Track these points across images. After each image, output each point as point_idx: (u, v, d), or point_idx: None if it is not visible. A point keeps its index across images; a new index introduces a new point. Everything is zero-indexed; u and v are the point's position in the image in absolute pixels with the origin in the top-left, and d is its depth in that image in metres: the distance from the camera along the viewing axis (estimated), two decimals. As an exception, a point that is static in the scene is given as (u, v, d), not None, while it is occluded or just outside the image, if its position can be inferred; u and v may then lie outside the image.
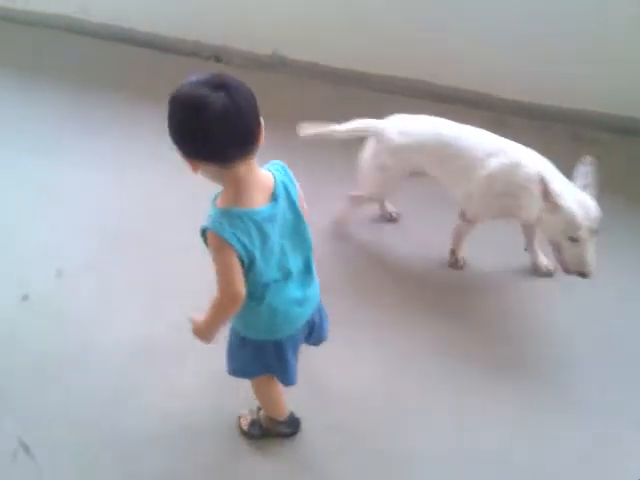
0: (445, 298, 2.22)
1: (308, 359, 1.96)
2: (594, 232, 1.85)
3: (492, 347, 2.05)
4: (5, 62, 3.53)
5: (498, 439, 1.79)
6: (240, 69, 3.33)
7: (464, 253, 2.31)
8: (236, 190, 1.25)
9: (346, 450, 1.76)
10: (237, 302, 1.30)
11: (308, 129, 2.25)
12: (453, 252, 2.30)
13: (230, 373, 1.59)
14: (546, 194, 1.84)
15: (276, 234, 1.32)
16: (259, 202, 1.27)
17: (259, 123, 1.22)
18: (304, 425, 1.79)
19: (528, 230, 2.25)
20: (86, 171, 2.75)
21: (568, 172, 1.97)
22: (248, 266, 1.29)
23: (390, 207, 2.53)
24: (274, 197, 1.30)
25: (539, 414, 1.85)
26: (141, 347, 2.00)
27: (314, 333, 1.57)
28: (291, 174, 1.38)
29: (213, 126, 1.14)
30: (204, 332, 1.41)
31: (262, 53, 3.42)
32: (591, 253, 1.86)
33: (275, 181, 1.32)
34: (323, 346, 1.99)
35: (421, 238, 2.44)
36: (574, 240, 1.85)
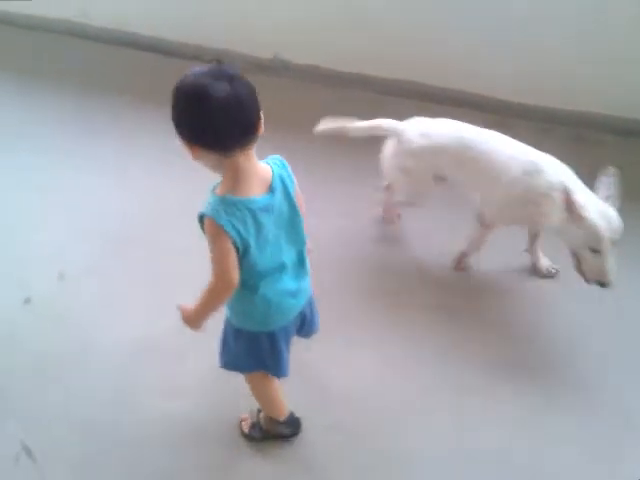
0: (445, 299, 2.22)
1: (308, 359, 1.98)
2: (616, 243, 1.85)
3: (493, 348, 2.05)
4: (6, 66, 3.54)
5: (498, 439, 1.79)
6: (242, 72, 3.33)
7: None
8: (234, 179, 1.28)
9: (346, 450, 1.76)
10: (230, 288, 1.33)
11: (326, 124, 2.24)
12: (464, 255, 2.28)
13: (222, 366, 1.60)
14: (569, 205, 1.83)
15: (271, 225, 1.35)
16: (256, 192, 1.31)
17: (259, 114, 1.26)
18: (304, 425, 1.79)
19: (533, 232, 2.25)
20: (88, 174, 2.76)
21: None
22: (242, 254, 1.31)
23: (394, 209, 2.52)
24: (271, 189, 1.34)
25: (539, 414, 1.86)
26: (142, 348, 2.01)
27: (305, 326, 1.61)
28: (289, 169, 1.42)
29: (215, 114, 1.18)
30: (194, 319, 1.43)
31: (263, 57, 3.43)
32: (611, 263, 1.86)
33: (273, 174, 1.35)
34: (323, 346, 2.00)
35: (421, 239, 2.45)
36: (596, 251, 1.85)
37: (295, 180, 1.43)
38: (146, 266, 2.28)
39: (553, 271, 2.28)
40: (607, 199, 1.90)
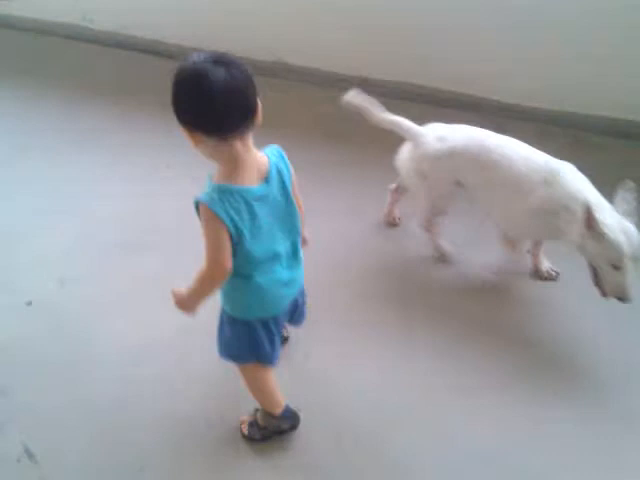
0: (445, 300, 2.23)
1: (308, 361, 1.99)
2: (636, 259, 1.83)
3: (493, 349, 2.05)
4: (7, 69, 3.56)
5: (498, 441, 1.79)
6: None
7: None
8: (231, 168, 1.31)
9: (346, 451, 1.76)
10: (223, 274, 1.35)
11: (355, 97, 2.22)
12: (538, 270, 2.26)
13: (221, 355, 1.62)
14: (591, 222, 1.80)
15: (266, 215, 1.37)
16: (251, 181, 1.34)
17: (257, 100, 1.29)
18: (304, 427, 1.79)
19: None
20: (88, 178, 2.77)
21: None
22: (236, 242, 1.33)
23: (397, 211, 2.53)
24: (266, 179, 1.37)
25: (540, 416, 1.86)
26: (142, 352, 2.01)
27: (296, 314, 1.65)
28: (287, 160, 1.45)
29: (215, 99, 1.21)
30: (187, 303, 1.45)
31: (265, 59, 3.44)
32: (630, 279, 1.85)
33: (269, 164, 1.38)
34: (323, 348, 2.01)
35: (422, 241, 2.44)
36: (616, 268, 1.83)
37: (293, 171, 1.46)
38: (146, 270, 2.28)
39: (554, 274, 2.28)
40: (626, 214, 1.87)
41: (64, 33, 3.82)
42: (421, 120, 2.25)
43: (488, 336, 2.10)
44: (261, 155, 1.39)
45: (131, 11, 3.64)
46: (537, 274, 2.30)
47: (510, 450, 1.76)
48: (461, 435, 1.80)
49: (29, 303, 2.17)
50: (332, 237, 2.45)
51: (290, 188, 1.43)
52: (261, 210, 1.35)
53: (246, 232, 1.33)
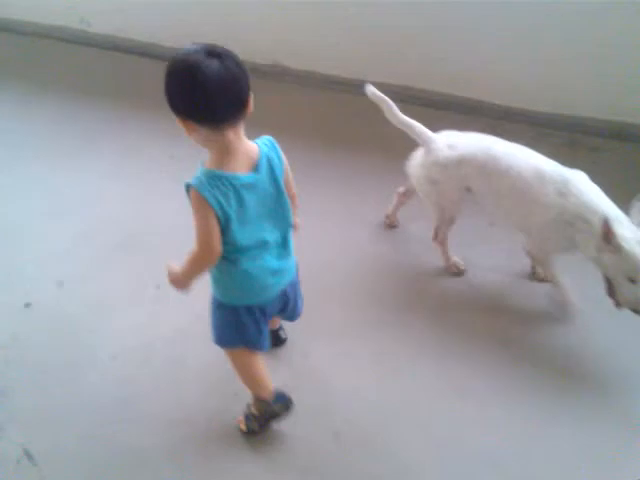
0: (445, 302, 2.24)
1: (308, 363, 1.99)
2: None
3: (493, 351, 2.06)
4: (6, 73, 3.57)
5: (497, 442, 1.79)
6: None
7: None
8: (222, 155, 1.36)
9: (344, 451, 1.77)
10: (212, 256, 1.41)
11: (375, 91, 2.21)
12: (563, 299, 2.15)
13: (214, 342, 1.65)
14: (608, 235, 1.79)
15: (254, 202, 1.41)
16: (241, 169, 1.38)
17: (249, 90, 1.32)
18: (305, 430, 1.80)
19: None
20: (87, 181, 2.77)
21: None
22: (224, 226, 1.38)
23: (398, 214, 2.53)
24: (256, 167, 1.40)
25: (539, 416, 1.87)
26: (141, 354, 2.02)
27: (288, 308, 1.67)
28: (279, 150, 1.48)
29: (209, 88, 1.25)
30: (180, 281, 1.51)
31: (263, 63, 3.46)
32: None
33: (260, 153, 1.42)
34: (323, 350, 2.01)
35: (422, 243, 2.45)
36: (633, 280, 1.83)
37: (285, 161, 1.49)
38: (145, 272, 2.29)
39: (550, 275, 2.30)
40: None
41: (61, 36, 3.82)
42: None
43: (488, 338, 2.10)
44: (252, 144, 1.43)
45: (128, 14, 3.64)
46: (534, 275, 2.31)
47: (510, 452, 1.77)
48: (460, 436, 1.81)
49: (27, 305, 2.18)
50: (329, 238, 2.46)
51: (281, 178, 1.47)
52: (249, 197, 1.39)
53: (233, 217, 1.37)
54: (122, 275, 2.30)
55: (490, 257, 2.40)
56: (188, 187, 1.36)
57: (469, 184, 2.13)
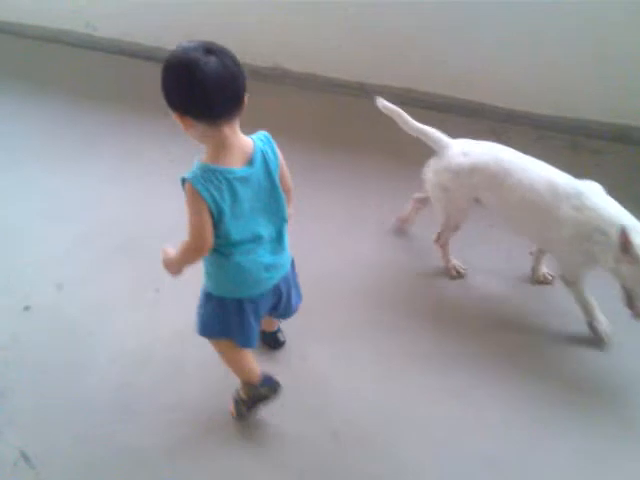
0: (444, 302, 2.24)
1: (305, 362, 2.00)
2: None
3: (493, 352, 2.05)
4: (10, 76, 3.59)
5: (497, 443, 1.79)
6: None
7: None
8: (217, 150, 1.39)
9: (343, 452, 1.77)
10: (203, 248, 1.43)
11: (387, 103, 2.21)
12: (593, 328, 2.07)
13: (197, 332, 1.67)
14: (627, 245, 1.77)
15: (248, 196, 1.43)
16: (236, 164, 1.40)
17: (245, 87, 1.35)
18: (304, 430, 1.80)
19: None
20: (88, 184, 2.78)
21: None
22: (217, 219, 1.40)
23: (410, 221, 2.51)
24: (250, 161, 1.42)
25: (539, 416, 1.86)
26: (140, 357, 2.02)
27: (281, 304, 1.67)
28: (274, 145, 1.50)
29: (207, 84, 1.27)
30: (172, 267, 1.55)
31: (264, 65, 3.47)
32: None
33: (254, 147, 1.44)
34: (320, 349, 2.02)
35: (423, 246, 2.46)
36: None
37: (281, 156, 1.51)
38: (145, 276, 2.28)
39: (549, 278, 2.29)
40: None
41: (67, 40, 3.84)
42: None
43: (488, 341, 2.10)
44: (247, 139, 1.45)
45: (133, 18, 3.66)
46: (534, 277, 2.31)
47: (510, 452, 1.77)
48: (459, 437, 1.81)
49: (27, 307, 2.18)
50: (329, 240, 2.46)
51: (275, 173, 1.48)
52: (243, 191, 1.41)
53: (227, 211, 1.39)
54: (122, 278, 2.31)
55: (490, 258, 2.39)
56: (184, 181, 1.39)
57: (479, 195, 2.12)
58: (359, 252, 2.44)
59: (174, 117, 1.36)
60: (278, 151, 1.51)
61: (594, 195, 1.92)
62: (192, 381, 1.95)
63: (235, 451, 1.77)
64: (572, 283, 2.05)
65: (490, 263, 2.37)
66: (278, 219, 1.54)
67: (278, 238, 1.56)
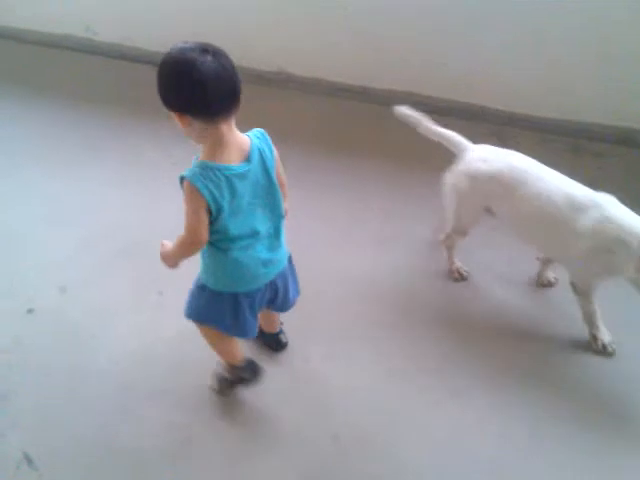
0: (445, 306, 2.23)
1: (308, 364, 1.99)
2: None
3: (494, 354, 2.05)
4: (11, 80, 3.60)
5: (496, 443, 1.79)
6: (247, 84, 3.39)
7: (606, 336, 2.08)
8: (215, 147, 1.40)
9: (343, 453, 1.76)
10: (198, 244, 1.46)
11: (406, 109, 2.23)
12: (595, 337, 2.05)
13: (185, 315, 1.69)
14: None
15: (246, 193, 1.45)
16: (233, 161, 1.42)
17: (241, 85, 1.37)
18: (305, 432, 1.80)
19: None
20: (90, 188, 2.79)
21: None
22: (215, 216, 1.42)
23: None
24: (248, 158, 1.44)
25: (539, 416, 1.86)
26: (142, 360, 2.02)
27: (278, 299, 1.70)
28: (270, 142, 1.52)
29: (205, 85, 1.30)
30: (169, 259, 1.57)
31: (268, 70, 3.48)
32: None
33: (251, 145, 1.46)
34: (322, 350, 2.02)
35: (425, 248, 2.46)
36: None
37: (276, 153, 1.53)
38: (148, 279, 2.28)
39: (553, 281, 2.29)
40: None
41: (67, 45, 3.85)
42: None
43: (489, 343, 2.10)
44: (244, 137, 1.46)
45: (134, 23, 3.67)
46: (538, 281, 2.30)
47: (509, 453, 1.76)
48: (460, 437, 1.80)
49: (30, 310, 2.18)
50: (331, 242, 2.46)
51: (272, 169, 1.50)
52: (242, 187, 1.43)
53: (225, 207, 1.41)
54: (124, 281, 2.31)
55: (493, 261, 2.39)
56: (182, 179, 1.40)
57: (491, 203, 2.10)
58: (360, 254, 2.44)
59: (173, 116, 1.37)
60: (274, 148, 1.53)
61: (612, 206, 1.89)
62: (194, 383, 1.94)
63: (236, 453, 1.76)
64: (584, 292, 2.02)
65: (492, 266, 2.37)
66: (275, 215, 1.56)
67: (275, 234, 1.58)
